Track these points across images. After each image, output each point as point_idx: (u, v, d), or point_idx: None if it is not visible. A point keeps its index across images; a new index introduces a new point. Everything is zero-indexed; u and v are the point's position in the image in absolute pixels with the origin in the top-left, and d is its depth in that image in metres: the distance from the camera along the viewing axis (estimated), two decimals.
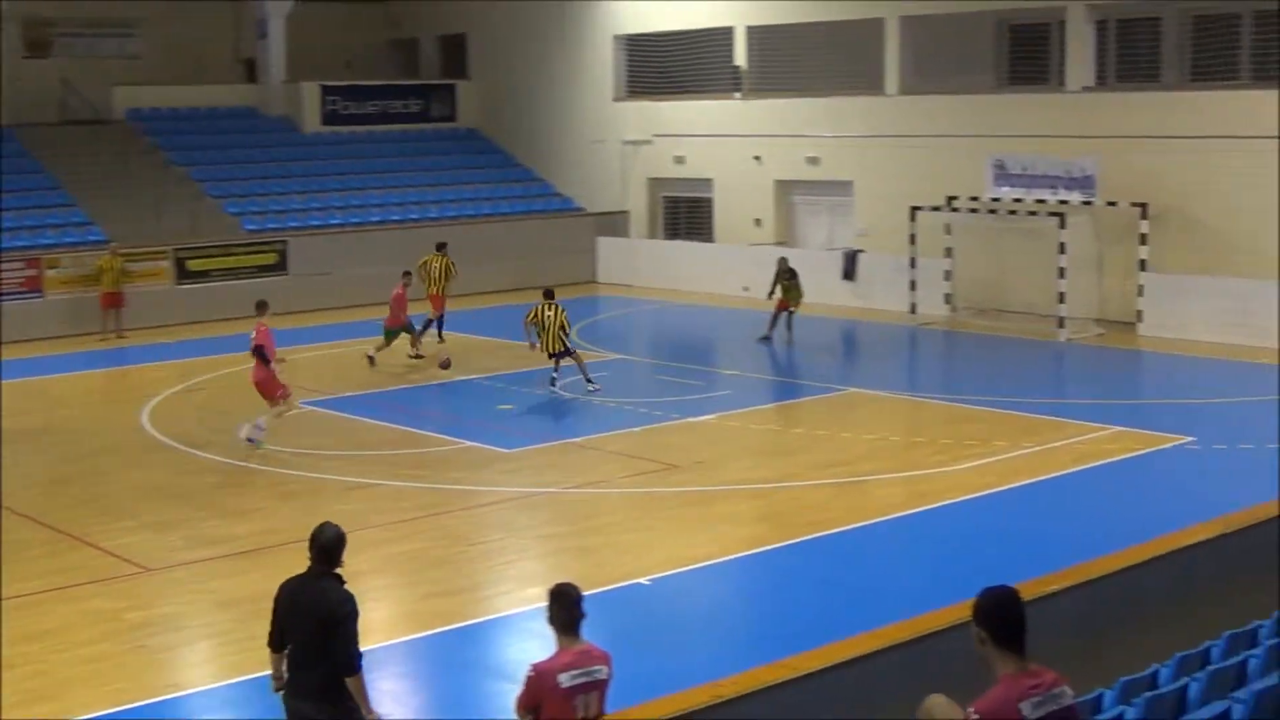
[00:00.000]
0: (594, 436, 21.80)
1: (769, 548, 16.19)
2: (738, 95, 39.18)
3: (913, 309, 33.08)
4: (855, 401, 24.64)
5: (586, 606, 8.45)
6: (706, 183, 40.22)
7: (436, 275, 30.23)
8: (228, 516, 17.77)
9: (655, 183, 41.78)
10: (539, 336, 24.96)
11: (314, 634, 9.03)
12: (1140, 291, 30.30)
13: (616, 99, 42.00)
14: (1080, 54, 32.61)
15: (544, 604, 8.51)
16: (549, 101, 43.53)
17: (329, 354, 29.93)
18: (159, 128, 40.75)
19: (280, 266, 36.49)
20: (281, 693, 9.36)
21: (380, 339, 28.06)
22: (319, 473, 19.73)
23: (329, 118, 42.90)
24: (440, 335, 30.03)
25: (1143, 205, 30.20)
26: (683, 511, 17.76)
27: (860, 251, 35.47)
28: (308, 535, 9.23)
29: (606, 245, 40.89)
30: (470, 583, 15.26)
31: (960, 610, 11.56)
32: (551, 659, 8.33)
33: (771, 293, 30.56)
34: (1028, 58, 34.80)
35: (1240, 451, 20.07)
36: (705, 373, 27.38)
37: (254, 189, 39.33)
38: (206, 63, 44.14)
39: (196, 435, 22.33)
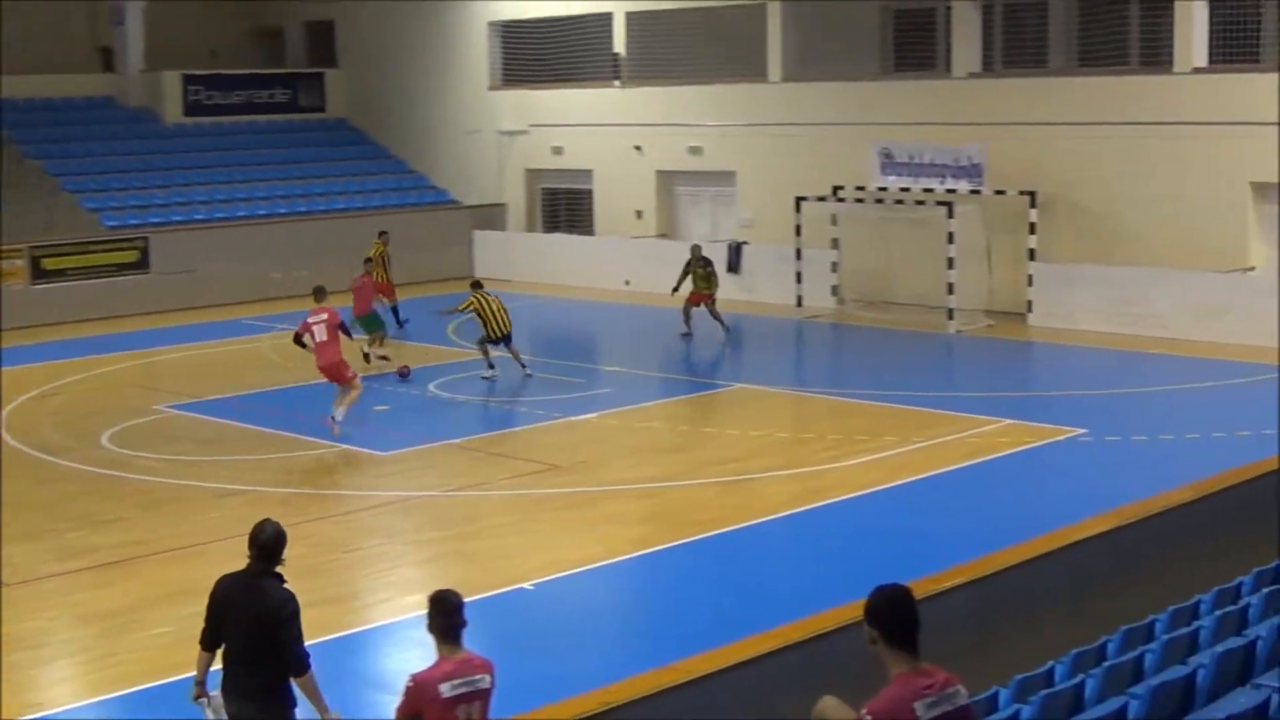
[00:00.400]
0: (473, 437, 21.70)
1: (656, 549, 16.20)
2: (617, 83, 39.18)
3: (799, 302, 33.28)
4: (741, 397, 24.74)
5: (468, 613, 8.39)
6: (586, 174, 40.20)
7: (381, 263, 30.56)
8: (91, 527, 17.46)
9: (533, 174, 41.68)
10: (485, 325, 25.54)
11: (255, 634, 9.08)
12: (1029, 281, 30.70)
13: (492, 88, 41.84)
14: (966, 39, 33.00)
15: (423, 611, 8.44)
16: (422, 91, 43.29)
17: (194, 355, 29.53)
18: (11, 119, 39.94)
19: (142, 264, 35.91)
20: (202, 700, 9.38)
21: (364, 337, 27.28)
22: (186, 479, 19.45)
23: (191, 108, 42.32)
24: (399, 323, 30.79)
25: (1031, 193, 30.62)
26: (566, 513, 17.72)
27: (744, 243, 35.62)
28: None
29: (483, 239, 40.73)
30: (346, 591, 15.12)
31: (852, 610, 11.61)
32: (432, 668, 8.26)
33: (678, 286, 30.49)
34: (913, 43, 35.16)
35: (1133, 443, 20.41)
36: (586, 370, 27.36)
37: (113, 183, 38.67)
38: (61, 51, 43.36)
39: (54, 442, 21.93)
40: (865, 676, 7.02)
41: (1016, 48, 33.18)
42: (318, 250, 37.62)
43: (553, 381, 25.87)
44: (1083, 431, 21.09)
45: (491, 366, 25.96)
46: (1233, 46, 29.27)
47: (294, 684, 9.24)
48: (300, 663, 9.16)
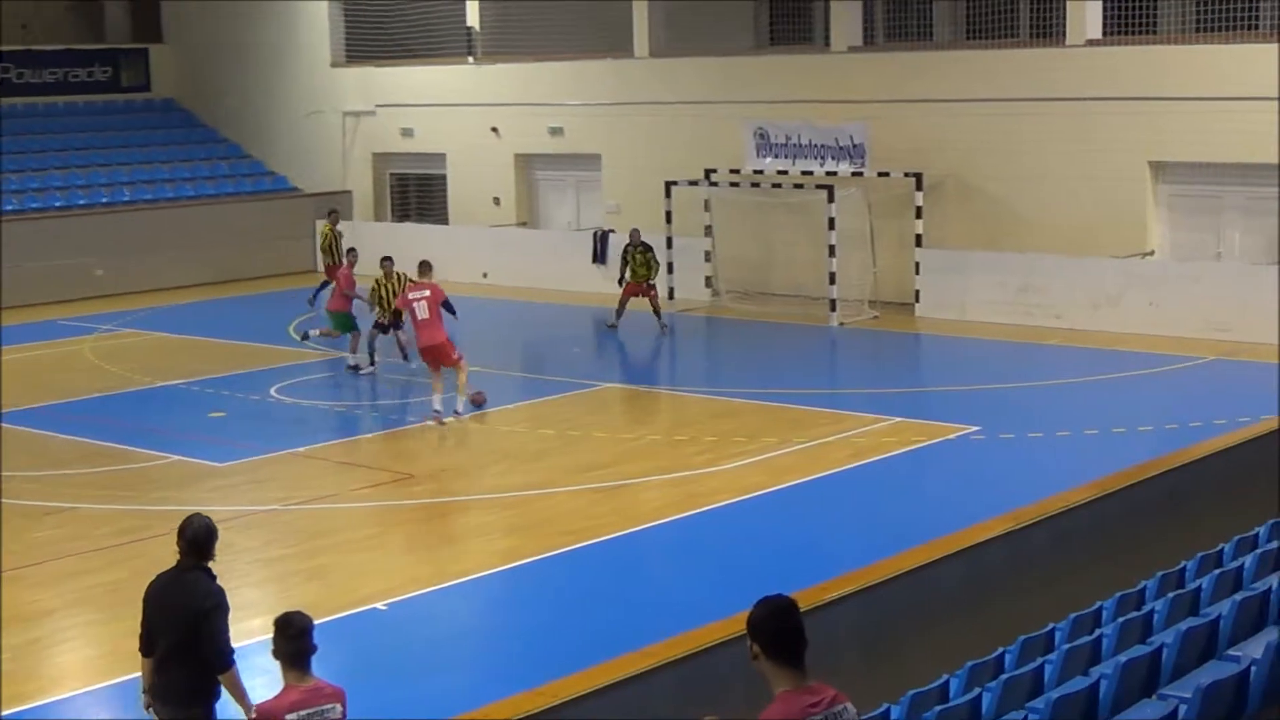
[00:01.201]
0: (319, 445, 21.53)
1: (523, 562, 16.17)
2: (471, 60, 39.04)
3: (670, 294, 33.36)
4: (611, 398, 24.77)
5: (317, 637, 8.33)
6: (438, 158, 40.02)
7: (331, 247, 31.40)
8: None
9: (380, 158, 41.42)
10: (383, 310, 25.79)
11: (183, 632, 9.37)
12: (917, 269, 31.06)
13: (335, 65, 41.52)
14: (846, 11, 33.27)
15: (268, 636, 8.36)
16: (257, 68, 42.84)
17: (7, 360, 28.98)
18: None
19: None
20: (153, 708, 9.58)
21: (348, 337, 26.87)
22: (6, 496, 19.09)
23: (0, 87, 41.55)
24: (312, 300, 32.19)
25: (917, 175, 30.97)
26: (424, 526, 17.63)
27: (611, 231, 35.65)
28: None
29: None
30: None
31: (734, 623, 11.69)
32: (277, 698, 8.20)
33: (623, 277, 30.48)
34: (789, 16, 35.43)
35: (1029, 440, 20.71)
36: (444, 370, 27.21)
37: None
38: None
39: None
40: (749, 695, 7.06)
41: (900, 20, 33.54)
42: (144, 243, 37.12)
43: (407, 383, 25.72)
44: (975, 429, 21.36)
45: (373, 361, 26.04)
46: (1128, 17, 29.79)
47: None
48: (223, 658, 9.40)
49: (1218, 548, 13.27)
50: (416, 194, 41.19)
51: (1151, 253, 29.59)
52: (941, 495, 18.45)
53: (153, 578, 9.79)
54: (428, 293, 22.72)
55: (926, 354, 29.13)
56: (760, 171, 32.76)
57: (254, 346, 29.19)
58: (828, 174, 31.67)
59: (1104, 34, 30.18)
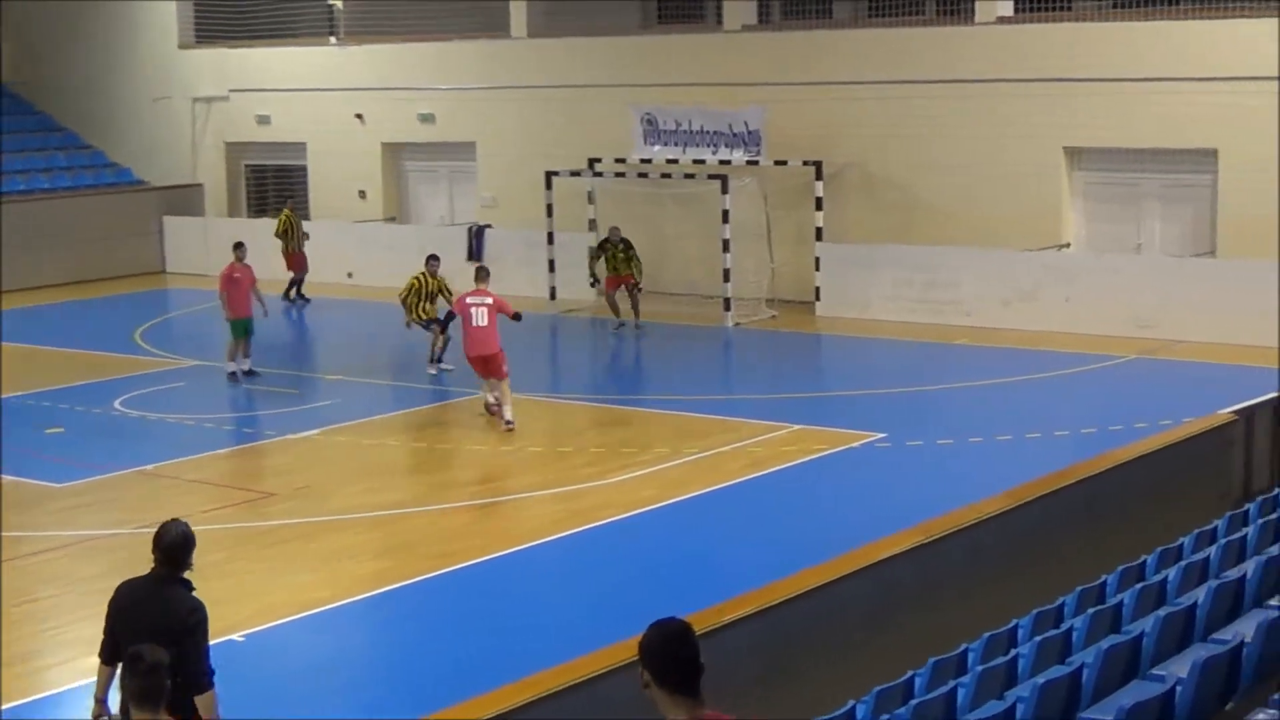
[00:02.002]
0: (169, 463, 21.29)
1: (395, 586, 16.07)
2: (334, 40, 38.84)
3: (552, 294, 33.34)
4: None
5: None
6: (298, 147, 39.76)
7: (290, 231, 33.79)
8: None
9: (235, 148, 41.10)
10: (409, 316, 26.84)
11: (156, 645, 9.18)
12: (817, 265, 31.22)
13: (183, 46, 41.14)
14: None
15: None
16: (97, 50, 42.35)
17: None
18: None
19: None
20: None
21: (232, 343, 26.60)
22: None
23: None
24: (298, 294, 34.34)
25: (817, 164, 31.14)
26: (285, 549, 17.47)
27: (487, 226, 35.59)
28: None
29: (176, 226, 40.04)
30: (17, 652, 14.71)
31: (624, 649, 11.67)
32: None
33: (592, 276, 30.49)
34: None
35: (938, 448, 20.87)
36: (305, 379, 27.06)
37: None
38: None
39: None
40: None
41: None
42: None
43: (264, 394, 25.52)
44: (881, 436, 21.49)
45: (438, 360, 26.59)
46: None
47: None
48: (204, 678, 9.53)
49: (1140, 560, 13.41)
50: (274, 187, 40.88)
51: (1067, 245, 29.93)
52: (846, 508, 18.53)
53: (121, 582, 9.86)
54: (490, 300, 23.15)
55: (828, 356, 29.28)
56: (648, 161, 32.80)
57: (97, 355, 28.84)
58: (721, 163, 31.77)
59: (1015, 11, 30.50)
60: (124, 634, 9.52)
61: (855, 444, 21.23)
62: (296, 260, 34.67)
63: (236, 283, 26.79)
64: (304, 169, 39.89)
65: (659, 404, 24.07)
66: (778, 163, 31.45)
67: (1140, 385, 24.75)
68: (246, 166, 41.36)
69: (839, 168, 31.50)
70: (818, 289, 31.29)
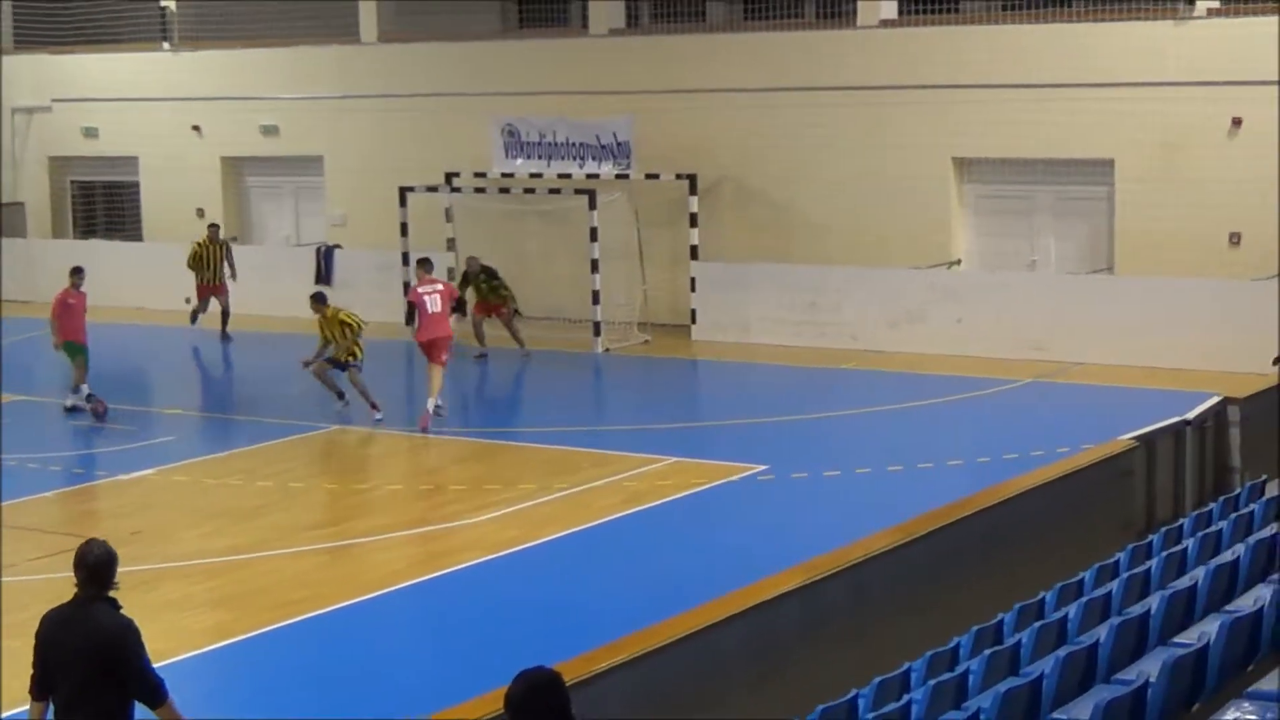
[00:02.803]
0: None
1: (235, 640, 15.91)
2: (167, 46, 38.57)
3: (409, 318, 33.03)
4: (339, 443, 24.58)
5: None
6: (129, 162, 39.41)
7: (209, 260, 33.21)
8: None
9: (59, 163, 40.68)
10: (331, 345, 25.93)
11: (89, 670, 9.64)
12: (693, 286, 31.31)
13: (1, 51, 40.68)
14: None
15: None
16: None
17: None
18: None
19: None
20: None
21: (75, 372, 26.40)
22: None
23: None
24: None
25: (691, 177, 31.24)
26: (119, 598, 17.27)
27: (337, 247, 35.41)
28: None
29: None
30: None
31: (488, 703, 11.66)
32: None
33: (461, 302, 30.40)
34: None
35: (824, 480, 20.96)
36: (138, 414, 26.74)
37: None
38: None
39: None
40: None
41: None
42: None
43: (94, 430, 25.22)
44: (762, 468, 21.56)
45: (376, 406, 25.74)
46: None
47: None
48: (156, 691, 9.80)
49: (1038, 597, 13.55)
50: (104, 205, 40.49)
51: (958, 262, 30.21)
52: (726, 545, 18.55)
53: (47, 611, 10.04)
54: (440, 287, 25.66)
55: (705, 382, 29.36)
56: (510, 175, 32.79)
57: None
58: (588, 177, 31.80)
59: (900, 14, 30.79)
60: (56, 662, 9.78)
61: (735, 477, 21.29)
62: (220, 289, 33.53)
63: (71, 309, 26.86)
64: (136, 185, 39.52)
65: (525, 437, 24.03)
66: (649, 176, 31.52)
67: (1036, 411, 25.01)
68: (72, 183, 40.92)
69: (714, 181, 31.64)
70: (693, 311, 31.37)
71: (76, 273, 27.55)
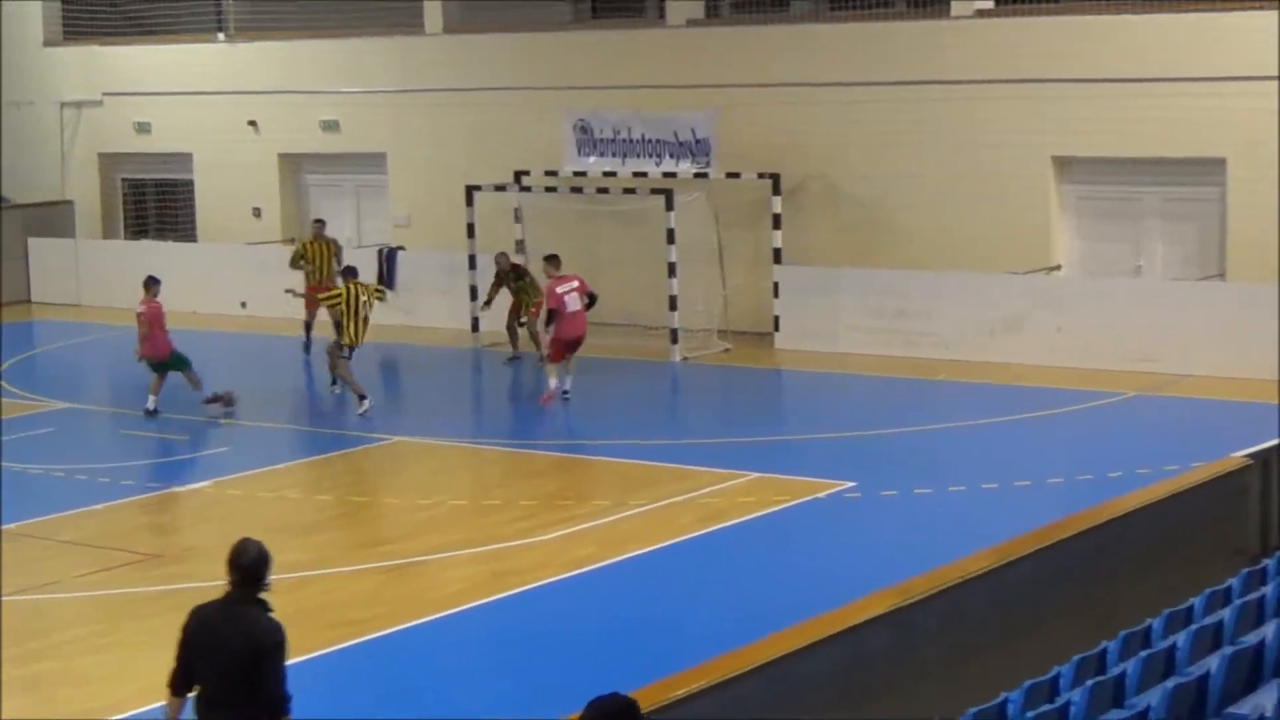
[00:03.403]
0: (36, 521, 21.12)
1: (295, 661, 15.92)
2: (222, 36, 38.77)
3: (474, 325, 33.23)
4: (403, 454, 24.62)
5: None
6: (183, 159, 39.64)
7: (318, 260, 31.79)
8: None
9: (109, 160, 40.94)
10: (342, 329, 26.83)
11: (236, 671, 10.08)
12: (776, 291, 31.27)
13: (49, 43, 40.99)
14: None
15: None
16: None
17: None
18: None
19: None
20: None
21: (154, 379, 26.73)
22: None
23: None
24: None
25: (774, 176, 31.18)
26: (169, 620, 17.15)
27: (400, 249, 35.51)
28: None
29: (42, 249, 39.81)
30: None
31: None
32: None
33: (489, 301, 30.66)
34: None
35: (915, 499, 20.90)
36: (193, 424, 26.89)
37: None
38: None
39: None
40: None
41: None
42: None
43: (147, 440, 25.38)
44: (849, 485, 21.52)
45: (363, 397, 26.55)
46: None
47: None
48: (281, 704, 10.20)
49: (1145, 624, 13.46)
50: (156, 204, 40.75)
51: (1058, 267, 30.06)
52: (810, 567, 18.53)
53: (196, 606, 10.56)
54: (576, 284, 26.92)
55: (789, 394, 29.31)
56: (582, 173, 32.81)
57: None
58: (665, 175, 31.79)
59: (996, 3, 30.64)
60: (200, 659, 10.28)
61: (821, 494, 21.25)
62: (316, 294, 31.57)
63: (159, 320, 26.96)
64: (190, 184, 39.74)
65: (599, 450, 24.02)
66: (729, 175, 31.49)
67: (1142, 426, 24.87)
68: (124, 181, 41.17)
69: (799, 181, 31.57)
70: (776, 318, 31.33)
71: (154, 283, 27.72)
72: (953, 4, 30.66)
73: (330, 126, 37.41)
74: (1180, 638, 12.49)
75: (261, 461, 23.93)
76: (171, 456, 24.23)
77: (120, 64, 40.04)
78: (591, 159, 32.70)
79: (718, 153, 31.37)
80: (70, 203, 40.94)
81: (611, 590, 17.91)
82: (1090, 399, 26.05)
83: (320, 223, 33.14)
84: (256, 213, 38.52)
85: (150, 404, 26.46)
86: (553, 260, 27.43)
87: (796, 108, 31.83)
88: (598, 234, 33.32)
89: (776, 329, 31.34)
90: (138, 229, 40.95)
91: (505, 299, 31.12)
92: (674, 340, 30.97)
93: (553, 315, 26.70)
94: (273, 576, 10.41)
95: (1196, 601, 14.06)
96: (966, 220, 30.42)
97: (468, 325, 33.31)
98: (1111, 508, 18.53)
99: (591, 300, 27.37)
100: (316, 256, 31.92)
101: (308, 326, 32.06)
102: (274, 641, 10.24)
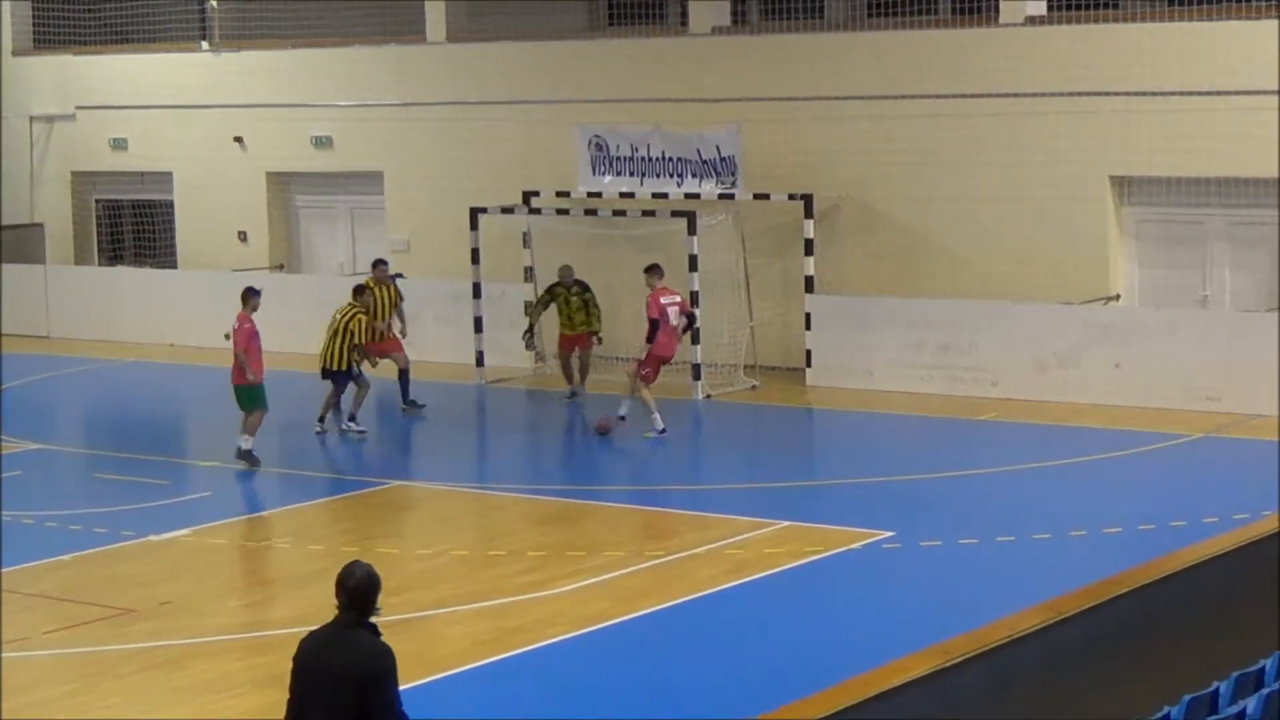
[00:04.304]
0: (4, 571, 21.15)
1: None
2: (206, 45, 38.86)
3: (479, 359, 33.26)
4: (402, 500, 24.65)
5: None
6: (162, 178, 39.73)
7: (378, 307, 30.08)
8: None
9: (83, 179, 41.05)
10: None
11: (345, 699, 10.48)
12: (808, 323, 31.27)
13: (18, 53, 41.13)
14: None
15: None
16: None
17: None
18: None
19: None
20: None
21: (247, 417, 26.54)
22: None
23: None
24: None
25: (806, 197, 31.18)
26: (145, 678, 17.37)
27: (398, 276, 35.51)
28: None
29: (9, 276, 39.82)
30: None
31: None
32: None
33: (531, 328, 30.67)
34: None
35: (959, 549, 20.86)
36: (172, 466, 26.94)
37: None
38: None
39: None
40: None
41: None
42: None
43: (122, 484, 25.38)
44: (888, 535, 21.49)
45: (353, 419, 27.63)
46: None
47: None
48: None
49: (1211, 688, 13.42)
50: (133, 227, 40.82)
51: (1116, 297, 30.02)
52: (844, 624, 18.51)
53: (305, 634, 10.97)
54: (678, 298, 28.01)
55: (822, 435, 29.29)
56: (597, 194, 32.86)
57: None
58: (687, 197, 31.83)
59: (1049, 9, 30.64)
60: (309, 686, 10.68)
61: (856, 544, 21.23)
62: (393, 344, 30.69)
63: (255, 336, 26.44)
64: (169, 205, 39.82)
65: (613, 496, 24.01)
66: (757, 196, 31.52)
67: (1208, 471, 24.83)
68: (98, 202, 41.26)
69: (833, 203, 31.59)
70: (808, 353, 31.33)
71: (253, 294, 27.22)
72: (1001, 9, 30.66)
73: (323, 143, 37.49)
74: (1251, 703, 12.47)
75: (247, 507, 23.97)
76: (148, 502, 24.20)
77: (95, 75, 40.14)
78: (607, 179, 32.73)
79: (744, 172, 31.40)
80: (40, 225, 41.02)
81: (625, 650, 17.88)
82: (1152, 441, 26.02)
83: (383, 264, 31.17)
84: (242, 237, 38.59)
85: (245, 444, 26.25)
86: (655, 270, 28.03)
87: (830, 123, 31.83)
88: (613, 260, 33.25)
89: (808, 364, 31.33)
90: (113, 254, 41.03)
91: (552, 326, 31.27)
92: (696, 376, 30.99)
93: (655, 327, 27.29)
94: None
95: (1268, 664, 14.03)
96: (1016, 246, 30.39)
97: (472, 359, 33.33)
98: (1174, 560, 18.48)
99: (690, 321, 28.22)
100: (379, 305, 30.27)
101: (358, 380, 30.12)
102: (383, 665, 10.62)
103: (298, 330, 33.49)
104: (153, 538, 22.43)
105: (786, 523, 22.21)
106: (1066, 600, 16.99)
